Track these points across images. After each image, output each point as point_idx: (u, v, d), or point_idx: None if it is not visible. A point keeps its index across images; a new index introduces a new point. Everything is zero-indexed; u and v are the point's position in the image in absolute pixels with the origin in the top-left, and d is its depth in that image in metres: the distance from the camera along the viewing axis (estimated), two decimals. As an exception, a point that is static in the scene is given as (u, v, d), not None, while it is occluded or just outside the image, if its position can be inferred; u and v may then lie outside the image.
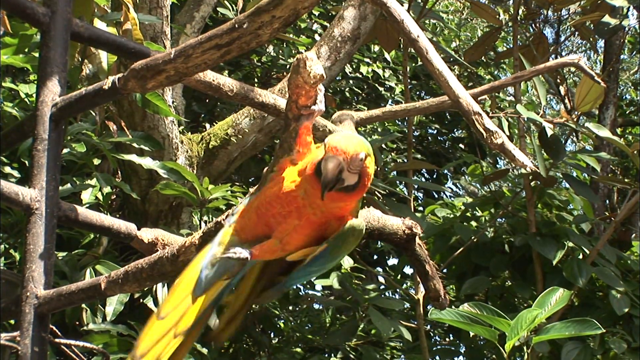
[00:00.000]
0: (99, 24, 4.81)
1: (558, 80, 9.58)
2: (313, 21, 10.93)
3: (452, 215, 8.44)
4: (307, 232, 2.85)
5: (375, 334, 8.28)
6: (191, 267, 3.01)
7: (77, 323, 5.96)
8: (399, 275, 9.36)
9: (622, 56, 12.69)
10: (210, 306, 3.00)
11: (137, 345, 2.97)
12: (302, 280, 3.05)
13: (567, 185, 8.39)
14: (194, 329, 2.99)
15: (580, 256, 7.40)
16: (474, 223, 8.27)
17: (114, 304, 5.86)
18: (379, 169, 7.50)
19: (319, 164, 2.72)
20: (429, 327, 9.04)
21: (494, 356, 9.22)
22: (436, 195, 11.36)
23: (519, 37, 8.10)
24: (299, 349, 8.87)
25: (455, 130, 12.22)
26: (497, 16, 8.40)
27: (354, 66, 11.23)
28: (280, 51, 10.53)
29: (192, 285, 2.97)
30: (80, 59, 5.24)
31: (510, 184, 9.55)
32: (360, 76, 11.24)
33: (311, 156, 2.83)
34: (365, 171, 2.76)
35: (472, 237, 7.61)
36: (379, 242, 8.92)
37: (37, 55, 4.49)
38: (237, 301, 3.12)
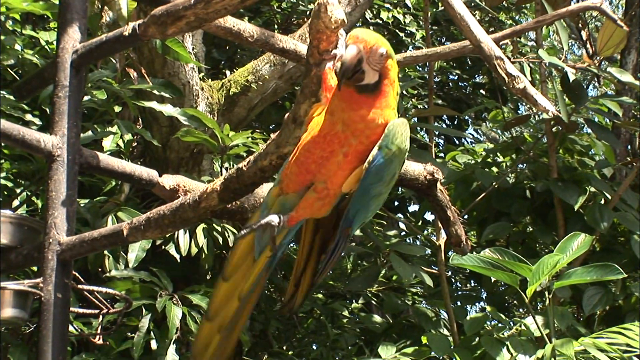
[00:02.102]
0: (118, -30, 4.80)
1: (580, 25, 9.51)
2: (333, -33, 10.84)
3: (473, 161, 8.40)
4: (352, 165, 2.80)
5: (397, 279, 8.28)
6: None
7: (100, 270, 5.99)
8: (420, 221, 9.35)
9: (645, 0, 12.55)
10: (264, 269, 3.03)
11: (208, 308, 3.12)
12: (364, 204, 2.89)
13: (589, 131, 8.35)
14: (253, 292, 3.06)
15: (602, 201, 7.36)
16: (495, 169, 8.23)
17: (136, 251, 5.89)
18: (399, 115, 7.46)
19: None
20: (450, 272, 9.06)
21: (515, 302, 9.27)
22: (457, 141, 11.33)
23: (540, -20, 7.99)
24: (320, 295, 8.91)
25: (476, 75, 12.15)
26: (519, -40, 8.31)
27: (375, 12, 11.15)
28: (300, -3, 10.48)
29: (249, 247, 3.03)
30: (100, 6, 5.22)
31: (531, 130, 9.48)
32: (381, 22, 11.15)
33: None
34: (385, 71, 2.74)
35: (494, 183, 7.58)
36: (400, 188, 8.91)
37: (57, 2, 4.48)
38: (298, 266, 3.11)
